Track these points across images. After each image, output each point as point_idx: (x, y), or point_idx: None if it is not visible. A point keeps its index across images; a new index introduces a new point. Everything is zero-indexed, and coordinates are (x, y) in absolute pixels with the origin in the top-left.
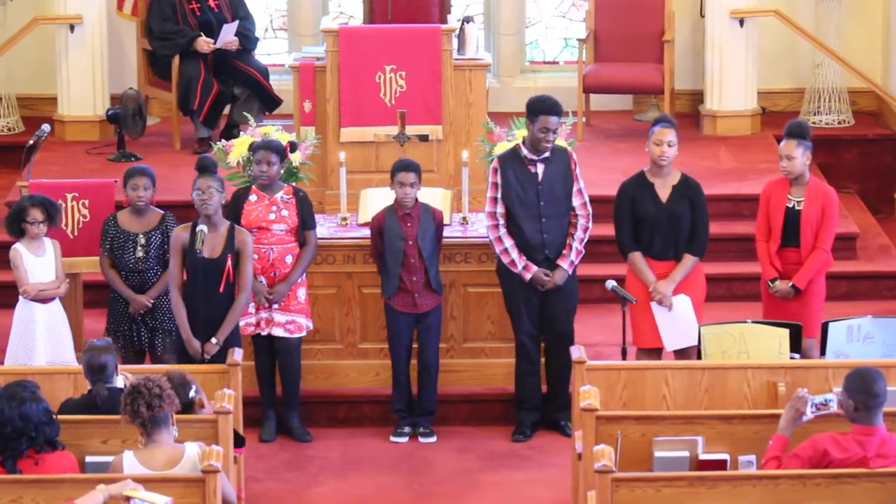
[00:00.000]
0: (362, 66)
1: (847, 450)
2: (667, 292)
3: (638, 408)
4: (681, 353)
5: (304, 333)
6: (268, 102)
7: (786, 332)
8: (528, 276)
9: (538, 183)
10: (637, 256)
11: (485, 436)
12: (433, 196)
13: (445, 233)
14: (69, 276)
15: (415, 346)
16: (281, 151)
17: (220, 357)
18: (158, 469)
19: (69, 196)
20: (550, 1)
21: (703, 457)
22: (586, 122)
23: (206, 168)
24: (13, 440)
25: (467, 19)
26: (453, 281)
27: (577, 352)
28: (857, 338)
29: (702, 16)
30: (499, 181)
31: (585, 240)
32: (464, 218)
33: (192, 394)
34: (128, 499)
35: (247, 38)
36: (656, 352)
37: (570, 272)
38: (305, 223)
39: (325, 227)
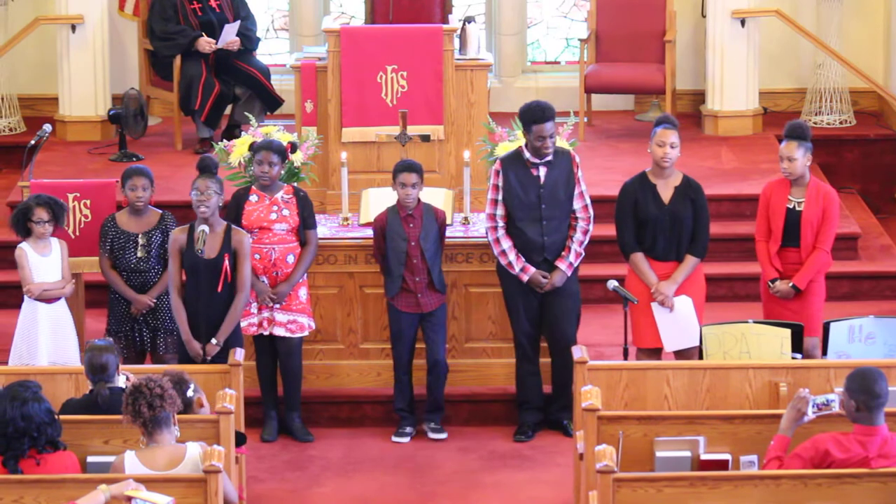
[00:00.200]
0: (364, 67)
1: (849, 450)
2: (669, 293)
3: (639, 408)
4: (680, 354)
5: (305, 333)
6: (269, 102)
7: (787, 332)
8: (525, 277)
9: (540, 186)
10: (639, 257)
11: (486, 436)
12: (435, 196)
13: (447, 233)
14: (72, 276)
15: (418, 346)
16: (282, 152)
17: (221, 357)
18: (160, 469)
19: (70, 196)
20: (552, 1)
21: (704, 457)
22: (588, 123)
23: (206, 168)
24: (15, 440)
25: (469, 19)
26: (455, 281)
27: (578, 352)
28: (858, 338)
29: (703, 16)
30: (500, 183)
31: (585, 242)
32: (465, 218)
33: (189, 393)
34: (129, 499)
35: (248, 39)
36: (656, 352)
37: (569, 274)
38: (306, 223)
39: (326, 227)
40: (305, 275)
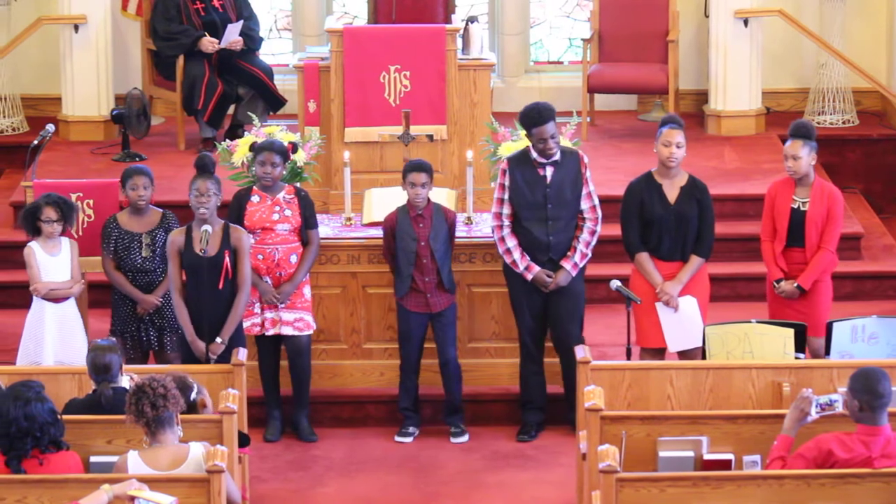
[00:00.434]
0: (367, 66)
1: (852, 450)
2: (674, 293)
3: (642, 408)
4: (684, 354)
5: (311, 331)
6: (272, 102)
7: (790, 332)
8: (529, 276)
9: (546, 186)
10: (644, 257)
11: (490, 436)
12: (438, 196)
13: None
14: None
15: (428, 346)
16: (284, 152)
17: (224, 357)
18: (163, 469)
19: (73, 196)
20: (555, 1)
21: (707, 457)
22: (591, 122)
23: (204, 167)
24: (18, 440)
25: (472, 19)
26: (458, 281)
27: (581, 352)
28: (861, 338)
29: (706, 16)
30: (507, 183)
31: (592, 243)
32: (468, 218)
33: (193, 395)
34: (132, 499)
35: (251, 38)
36: (659, 352)
37: (574, 274)
38: (308, 222)
39: (329, 227)
40: (308, 274)
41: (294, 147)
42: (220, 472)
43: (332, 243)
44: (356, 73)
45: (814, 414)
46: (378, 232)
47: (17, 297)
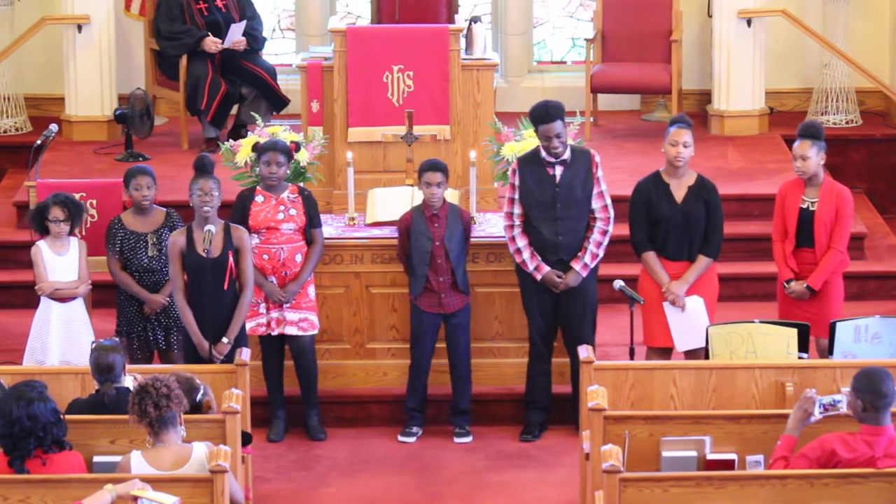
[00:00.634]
0: (370, 66)
1: (855, 450)
2: (680, 293)
3: (646, 408)
4: (691, 354)
5: (315, 331)
6: (275, 102)
7: (794, 332)
8: (538, 276)
9: (555, 185)
10: (651, 256)
11: (493, 436)
12: None
13: None
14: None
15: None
16: (288, 151)
17: (227, 356)
18: (166, 469)
19: (76, 196)
20: (558, 1)
21: (710, 457)
22: (594, 122)
23: (203, 168)
24: (21, 440)
25: (475, 19)
26: None
27: (584, 352)
28: (864, 338)
29: (709, 16)
30: (517, 182)
31: (604, 243)
32: (472, 218)
33: (199, 397)
34: (135, 499)
35: (254, 38)
36: (667, 352)
37: (584, 275)
38: (312, 221)
39: (332, 227)
40: (312, 273)
41: (297, 146)
42: (224, 472)
43: (335, 243)
44: (359, 73)
45: (817, 414)
46: (381, 231)
47: (20, 296)
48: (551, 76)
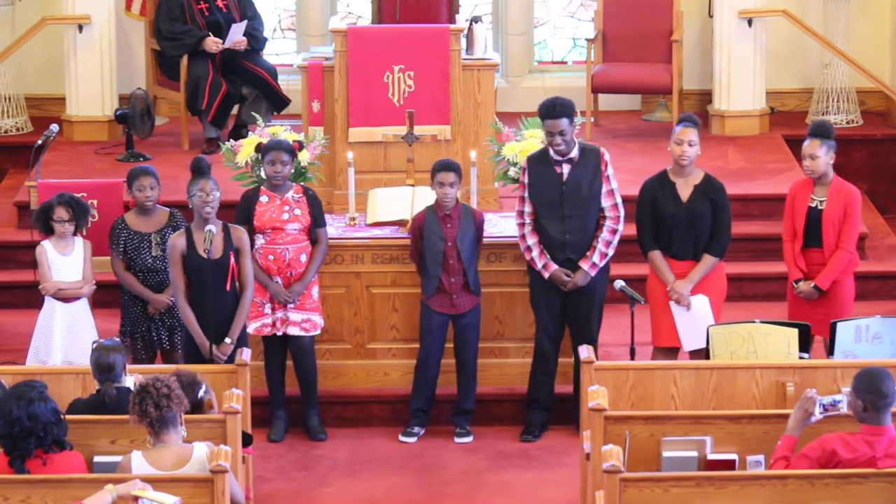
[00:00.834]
0: (370, 66)
1: (855, 450)
2: (684, 292)
3: (646, 408)
4: (697, 354)
5: (318, 332)
6: (276, 102)
7: (794, 332)
8: (546, 274)
9: (562, 183)
10: (657, 255)
11: (493, 436)
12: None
13: None
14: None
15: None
16: (291, 150)
17: (230, 356)
18: (167, 469)
19: (77, 196)
20: (559, 1)
21: (711, 457)
22: (595, 122)
23: (200, 170)
24: (21, 440)
25: (476, 19)
26: None
27: (584, 352)
28: (865, 338)
29: (710, 16)
30: (526, 181)
31: (613, 242)
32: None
33: (201, 393)
34: (136, 499)
35: (255, 38)
36: (673, 352)
37: (592, 274)
38: (317, 221)
39: (333, 227)
40: (316, 273)
41: (300, 146)
42: (224, 472)
43: (336, 243)
44: (360, 73)
45: (818, 414)
46: (382, 232)
47: (21, 297)
48: (552, 76)
